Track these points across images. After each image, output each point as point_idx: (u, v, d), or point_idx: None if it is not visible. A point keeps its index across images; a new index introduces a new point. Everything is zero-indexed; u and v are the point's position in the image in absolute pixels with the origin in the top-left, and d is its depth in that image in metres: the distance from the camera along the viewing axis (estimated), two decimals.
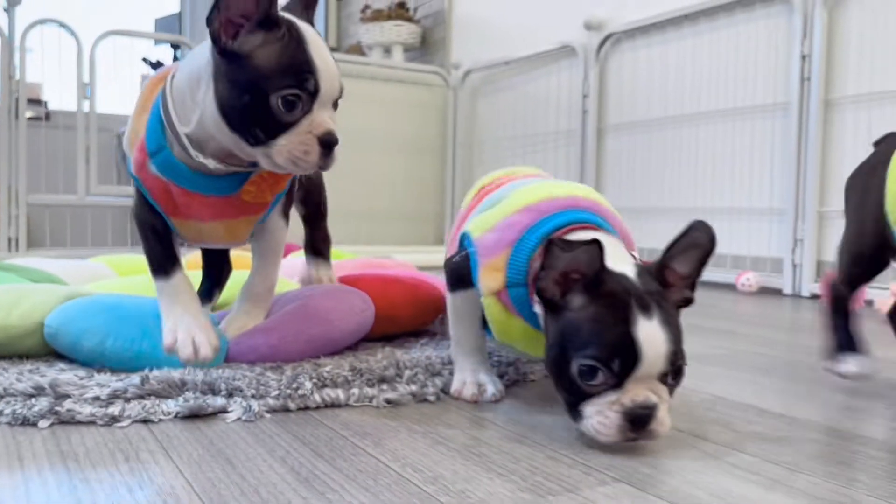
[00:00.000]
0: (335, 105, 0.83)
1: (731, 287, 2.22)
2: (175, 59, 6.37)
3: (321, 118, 0.80)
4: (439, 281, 1.27)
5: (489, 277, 0.80)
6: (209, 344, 0.84)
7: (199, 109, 0.81)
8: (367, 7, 4.04)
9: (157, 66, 5.88)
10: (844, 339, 0.96)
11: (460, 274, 0.85)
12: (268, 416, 0.79)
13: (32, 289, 0.99)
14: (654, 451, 0.70)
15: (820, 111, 2.04)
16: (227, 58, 0.78)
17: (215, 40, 0.78)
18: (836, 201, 2.02)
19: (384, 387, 0.86)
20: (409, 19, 3.87)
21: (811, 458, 0.69)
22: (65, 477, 0.61)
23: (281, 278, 1.32)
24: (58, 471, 0.62)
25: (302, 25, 0.80)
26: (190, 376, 0.82)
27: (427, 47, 3.96)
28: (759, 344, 1.31)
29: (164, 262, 0.89)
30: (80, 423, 0.74)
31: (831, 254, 2.03)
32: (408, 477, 0.62)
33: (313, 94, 0.79)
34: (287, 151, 0.79)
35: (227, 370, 0.87)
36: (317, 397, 0.82)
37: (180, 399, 0.79)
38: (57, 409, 0.75)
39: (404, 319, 1.10)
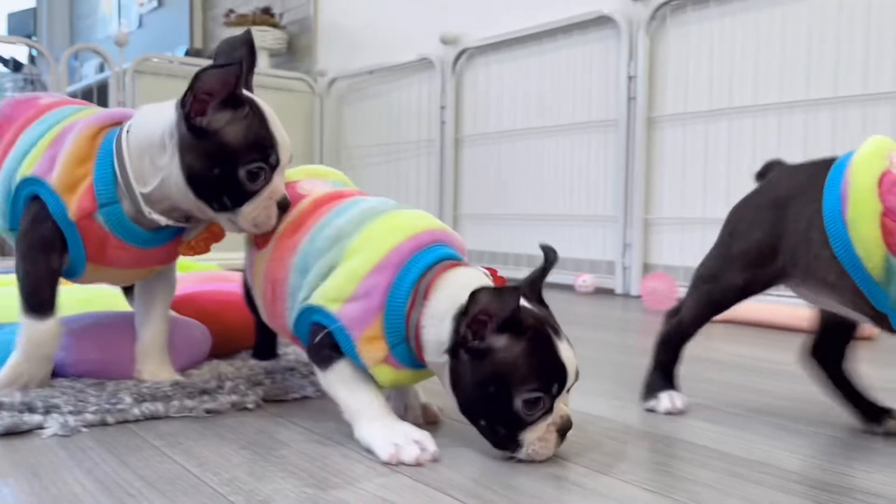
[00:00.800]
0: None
1: (570, 288, 2.40)
2: (31, 58, 6.03)
3: (278, 185, 0.89)
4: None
5: (371, 349, 0.78)
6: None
7: (160, 174, 0.88)
8: (231, 11, 4.01)
9: (15, 65, 5.54)
10: (668, 378, 0.95)
11: (329, 349, 0.80)
12: (85, 430, 0.83)
13: None
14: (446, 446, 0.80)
15: (644, 128, 2.24)
16: (195, 132, 0.85)
17: (187, 118, 0.84)
18: (659, 209, 2.24)
19: (205, 398, 0.92)
20: (275, 25, 3.88)
21: (576, 448, 0.81)
22: None
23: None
24: None
25: (260, 103, 0.89)
26: (7, 398, 0.85)
27: (293, 54, 3.98)
28: (590, 347, 1.45)
29: (46, 304, 0.91)
30: None
31: (656, 257, 2.25)
32: (205, 480, 0.69)
33: (274, 166, 0.88)
34: (252, 217, 0.88)
35: (47, 388, 0.90)
36: (136, 411, 0.87)
37: (3, 415, 0.82)
38: None
39: (239, 342, 1.16)
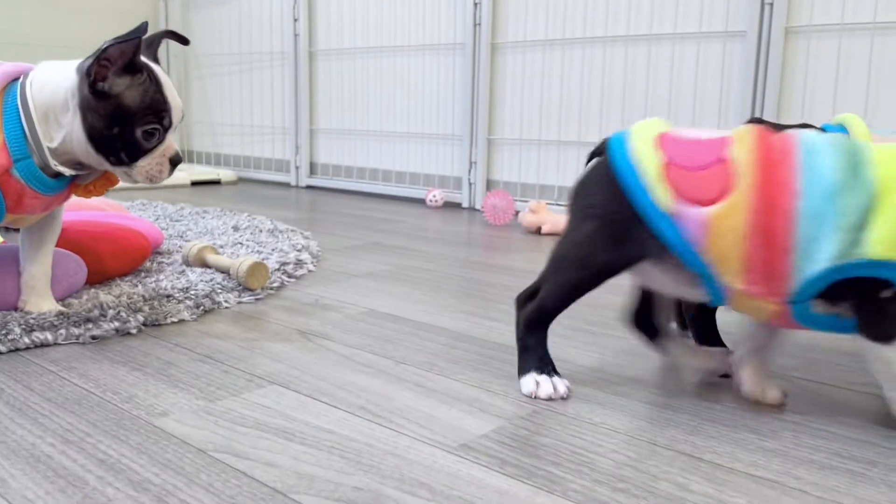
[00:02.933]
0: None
1: (422, 202, 2.59)
2: None
3: (170, 143, 1.03)
4: (146, 226, 1.41)
5: None
6: None
7: (63, 130, 0.97)
8: None
9: None
10: (543, 362, 0.86)
11: None
12: None
13: None
14: (301, 359, 0.96)
15: (488, 53, 2.41)
16: (97, 95, 0.95)
17: (91, 82, 0.95)
18: (500, 131, 2.44)
19: (90, 325, 1.03)
20: None
21: (417, 353, 1.00)
22: None
23: None
24: None
25: (157, 69, 1.00)
26: None
27: None
28: (426, 260, 1.64)
29: None
30: None
31: (497, 173, 2.47)
32: (108, 399, 0.82)
33: (167, 127, 1.01)
34: (146, 171, 1.01)
35: None
36: (26, 339, 0.97)
37: None
38: None
39: (112, 272, 1.24)
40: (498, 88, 2.43)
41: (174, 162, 1.04)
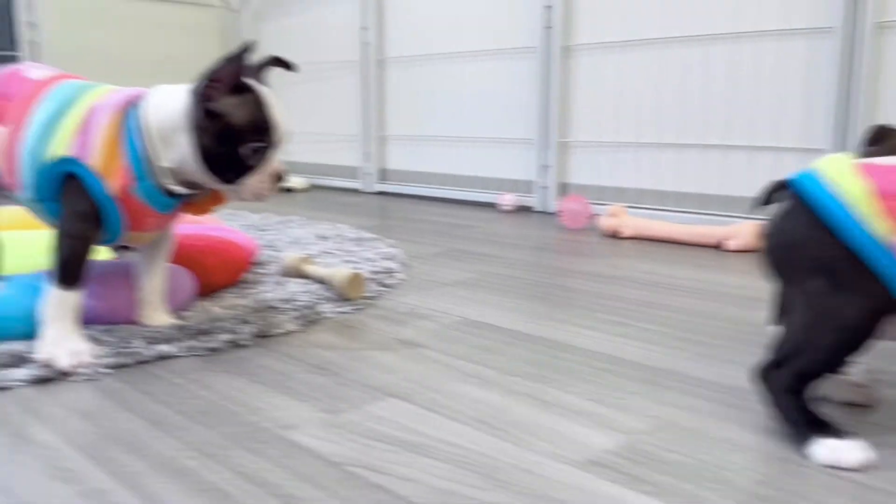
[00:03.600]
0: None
1: (493, 206, 2.60)
2: None
3: (275, 159, 1.05)
4: (243, 238, 1.46)
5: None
6: (89, 353, 0.99)
7: (178, 151, 1.02)
8: None
9: None
10: (825, 425, 0.74)
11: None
12: (109, 372, 0.97)
13: None
14: (410, 369, 0.98)
15: (560, 56, 2.40)
16: (208, 115, 1.00)
17: (203, 101, 1.00)
18: (573, 133, 2.43)
19: (205, 338, 1.07)
20: None
21: (521, 364, 1.01)
22: None
23: None
24: None
25: (263, 91, 1.04)
26: (33, 351, 0.97)
27: None
28: (510, 267, 1.65)
29: (78, 276, 1.00)
30: None
31: (570, 176, 2.46)
32: (235, 411, 0.85)
33: (272, 145, 1.03)
34: (252, 188, 1.04)
35: None
36: (149, 353, 1.01)
37: (31, 367, 0.94)
38: None
39: (217, 284, 1.29)
40: (571, 91, 2.42)
41: (279, 179, 1.06)
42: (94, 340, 1.02)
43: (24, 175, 1.03)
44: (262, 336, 1.12)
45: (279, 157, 1.06)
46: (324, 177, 3.34)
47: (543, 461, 0.72)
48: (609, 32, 2.30)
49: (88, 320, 1.08)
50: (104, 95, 1.05)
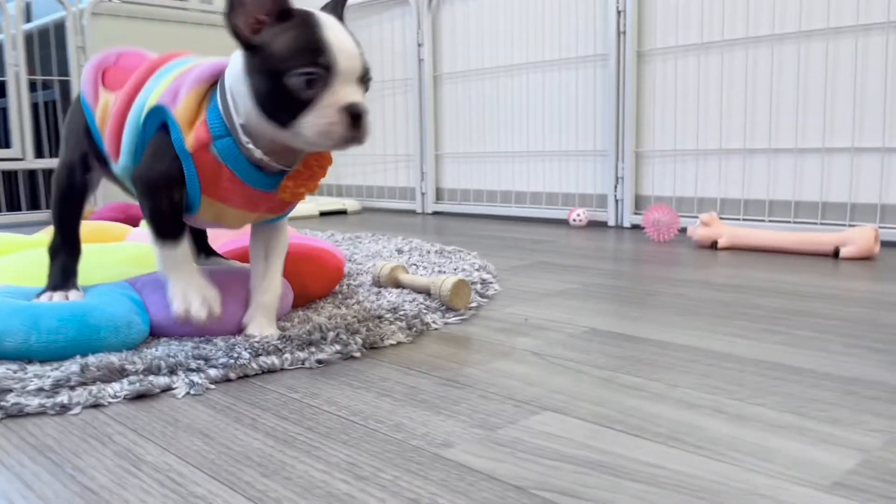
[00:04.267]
0: (365, 84, 0.89)
1: (564, 222, 2.47)
2: None
3: (343, 92, 0.85)
4: (332, 247, 1.34)
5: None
6: (215, 300, 0.94)
7: (244, 103, 0.89)
8: None
9: None
10: None
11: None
12: (213, 387, 0.85)
13: None
14: (554, 381, 0.85)
15: (633, 62, 2.28)
16: (252, 51, 0.87)
17: (237, 36, 0.87)
18: (649, 143, 2.30)
19: (312, 349, 0.94)
20: None
21: (684, 375, 0.87)
22: (54, 468, 0.64)
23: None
24: (42, 463, 0.65)
25: (319, 14, 0.88)
26: (129, 363, 0.85)
27: None
28: (610, 277, 1.51)
29: (175, 230, 0.94)
30: (29, 415, 0.76)
31: (647, 188, 2.33)
32: (374, 428, 0.72)
33: (328, 69, 0.84)
34: (313, 125, 0.85)
35: (161, 347, 0.91)
36: (254, 365, 0.89)
37: (124, 382, 0.82)
38: (2, 404, 0.76)
39: (313, 293, 1.17)
40: (645, 99, 2.30)
41: (351, 114, 0.85)
42: (196, 350, 0.90)
43: (124, 137, 0.96)
44: (372, 347, 1.00)
45: (349, 88, 0.85)
46: (376, 199, 3.24)
47: (780, 485, 0.58)
48: (688, 35, 2.18)
49: (190, 332, 0.97)
50: (209, 61, 0.96)
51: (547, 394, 0.81)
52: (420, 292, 1.22)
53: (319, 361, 0.93)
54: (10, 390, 0.78)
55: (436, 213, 2.98)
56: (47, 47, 2.99)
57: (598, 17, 2.39)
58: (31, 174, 3.39)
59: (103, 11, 3.02)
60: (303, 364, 0.92)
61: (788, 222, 1.99)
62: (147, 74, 0.99)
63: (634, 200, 2.35)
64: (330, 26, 0.86)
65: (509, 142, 2.72)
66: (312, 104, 0.84)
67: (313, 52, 0.83)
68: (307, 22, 0.85)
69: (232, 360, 0.88)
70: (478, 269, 1.47)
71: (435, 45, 2.93)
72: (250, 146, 0.91)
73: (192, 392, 0.83)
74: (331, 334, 0.98)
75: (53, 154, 3.11)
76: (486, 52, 2.76)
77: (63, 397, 0.78)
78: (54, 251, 1.06)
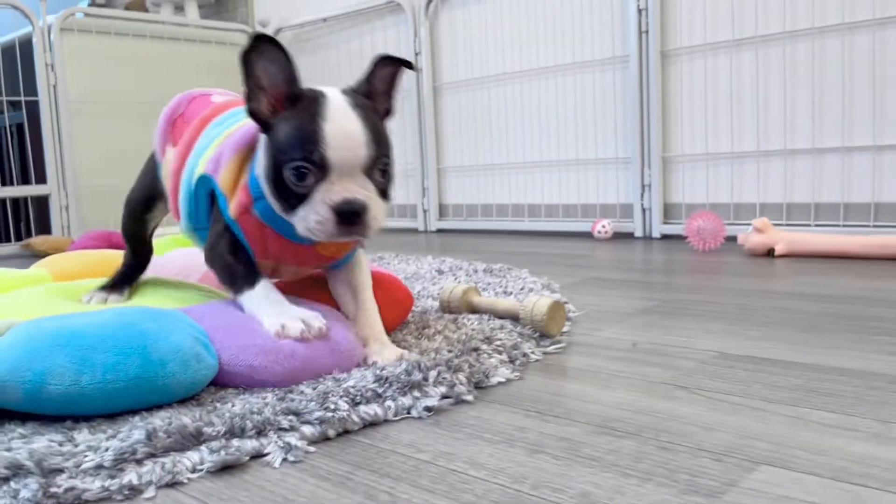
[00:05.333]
0: (374, 172, 0.83)
1: (587, 235, 2.33)
2: None
3: (339, 187, 0.81)
4: (393, 274, 1.17)
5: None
6: (316, 318, 0.84)
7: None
8: None
9: None
10: None
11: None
12: (313, 449, 0.67)
13: None
14: (735, 423, 0.69)
15: (658, 63, 2.17)
16: (268, 133, 0.85)
17: (256, 120, 0.85)
18: (677, 147, 2.18)
19: (416, 394, 0.77)
20: None
21: (859, 404, 0.73)
22: None
23: (174, 277, 1.18)
24: None
25: (330, 98, 0.83)
26: (205, 424, 0.67)
27: (223, 4, 3.64)
28: (681, 291, 1.37)
29: (248, 277, 0.89)
30: (89, 502, 0.58)
31: (676, 195, 2.21)
32: (550, 499, 0.55)
33: (321, 163, 0.80)
34: (303, 220, 0.82)
35: (238, 402, 0.72)
36: (355, 417, 0.72)
37: (204, 450, 0.64)
38: (53, 490, 0.57)
39: (388, 324, 1.00)
40: (671, 101, 2.18)
41: (341, 212, 0.80)
42: (282, 403, 0.72)
43: (180, 200, 0.97)
44: (478, 386, 0.83)
45: (348, 182, 0.81)
46: None
47: None
48: (718, 31, 2.07)
49: (269, 383, 0.79)
50: (250, 124, 0.92)
51: (739, 440, 0.65)
52: (502, 317, 1.06)
53: (428, 409, 0.75)
54: (61, 470, 0.60)
55: (439, 231, 2.82)
56: (13, 65, 2.76)
57: (616, 17, 2.27)
58: None
59: (73, 27, 2.81)
60: (408, 412, 0.75)
61: (837, 226, 1.88)
62: (197, 132, 0.97)
63: (663, 209, 2.22)
64: (334, 114, 0.81)
65: (519, 152, 2.58)
66: (307, 198, 0.81)
67: (307, 145, 0.80)
68: (310, 109, 0.81)
69: (329, 414, 0.70)
70: (544, 288, 1.31)
71: (434, 53, 2.78)
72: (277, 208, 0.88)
73: (289, 458, 0.65)
74: (432, 374, 0.81)
75: (21, 181, 2.87)
76: (490, 59, 2.62)
77: (130, 475, 0.60)
78: (123, 259, 1.16)
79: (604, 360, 0.93)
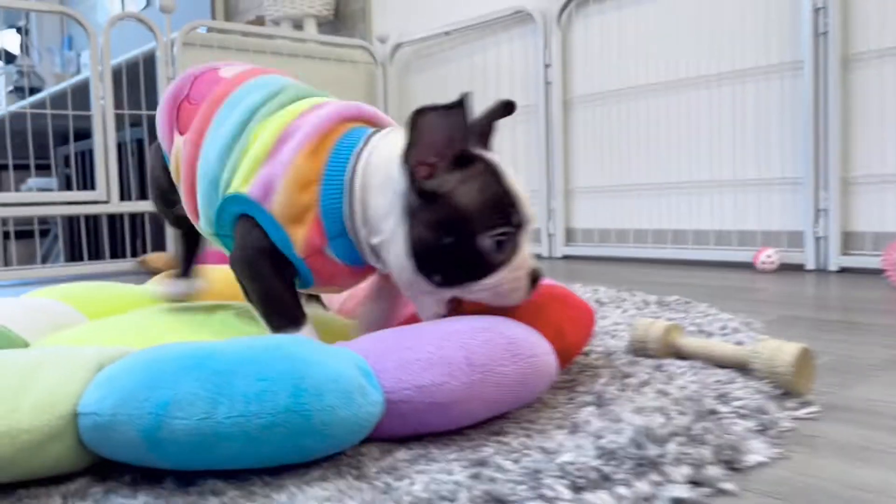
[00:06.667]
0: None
1: (741, 265, 2.04)
2: (24, 46, 5.57)
3: (526, 250, 0.75)
4: (565, 287, 0.96)
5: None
6: None
7: (381, 237, 0.76)
8: None
9: (6, 57, 5.09)
10: None
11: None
12: None
13: (30, 357, 0.59)
14: None
15: (838, 68, 1.87)
16: (424, 198, 0.73)
17: (413, 180, 0.73)
18: (862, 166, 1.87)
19: (655, 476, 0.55)
20: None
21: None
22: None
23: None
24: None
25: (493, 157, 0.76)
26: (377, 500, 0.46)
27: (342, 21, 3.56)
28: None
29: (294, 313, 0.78)
30: None
31: (860, 223, 1.89)
32: None
33: (518, 227, 0.74)
34: (494, 289, 0.74)
35: (418, 480, 0.52)
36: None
37: None
38: None
39: (573, 346, 0.79)
40: (854, 113, 1.88)
41: (535, 278, 0.75)
42: (470, 480, 0.51)
43: (201, 202, 0.83)
44: (732, 467, 0.59)
45: (527, 246, 0.75)
46: None
47: None
48: None
49: (459, 401, 0.59)
50: (306, 112, 0.80)
51: None
52: (726, 366, 0.82)
53: (676, 500, 0.53)
54: None
55: (566, 258, 2.58)
56: (136, 82, 2.74)
57: (785, 19, 1.99)
58: (112, 219, 3.13)
59: (195, 41, 2.77)
60: (646, 502, 0.52)
61: None
62: (209, 116, 0.84)
63: (841, 238, 1.91)
64: (509, 174, 0.75)
65: (663, 171, 2.32)
66: (500, 267, 0.73)
67: (506, 210, 0.73)
68: (493, 171, 0.74)
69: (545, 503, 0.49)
70: (750, 330, 1.06)
71: (565, 64, 2.57)
72: (369, 259, 0.80)
73: None
74: (670, 447, 0.58)
75: (140, 196, 2.84)
76: (632, 69, 2.38)
77: None
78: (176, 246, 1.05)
79: (882, 431, 0.68)
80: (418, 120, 0.69)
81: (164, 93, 0.93)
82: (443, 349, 0.60)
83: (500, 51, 2.79)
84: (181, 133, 0.88)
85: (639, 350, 0.89)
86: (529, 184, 2.70)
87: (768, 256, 1.96)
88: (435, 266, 0.73)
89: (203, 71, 0.92)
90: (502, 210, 0.72)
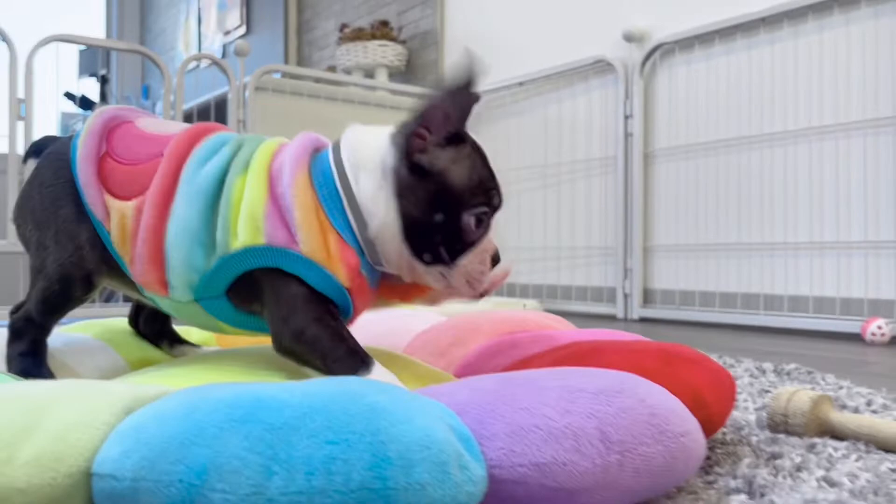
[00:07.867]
0: None
1: (855, 337, 1.83)
2: (103, 94, 5.75)
3: (491, 235, 0.78)
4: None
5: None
6: None
7: (377, 220, 0.75)
8: (344, 26, 3.59)
9: (84, 103, 5.25)
10: None
11: None
12: None
13: (43, 390, 0.47)
14: None
15: None
16: (415, 172, 0.74)
17: (408, 154, 0.74)
18: None
19: None
20: (394, 39, 3.45)
21: None
22: None
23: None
24: None
25: (478, 141, 0.78)
26: None
27: (412, 72, 3.54)
28: None
29: (361, 352, 0.72)
30: None
31: None
32: None
33: (496, 208, 0.77)
34: (466, 272, 0.76)
35: None
36: None
37: None
38: None
39: (717, 420, 0.63)
40: None
41: (495, 260, 0.78)
42: None
43: (176, 269, 0.76)
44: None
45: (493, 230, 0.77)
46: (562, 300, 2.70)
47: None
48: None
49: (592, 488, 0.45)
50: (276, 151, 0.79)
51: None
52: (889, 449, 0.65)
53: None
54: None
55: (643, 320, 2.41)
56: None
57: (892, 70, 1.83)
58: None
59: (267, 86, 2.75)
60: None
61: None
62: (172, 178, 0.77)
63: None
64: (489, 157, 0.77)
65: (755, 231, 2.14)
66: (473, 246, 0.75)
67: (489, 191, 0.76)
68: (479, 151, 0.77)
69: None
70: (893, 406, 0.88)
71: (647, 116, 2.45)
72: (382, 267, 0.78)
73: None
74: None
75: None
76: (721, 122, 2.24)
77: None
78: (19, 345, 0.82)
79: None
80: (428, 97, 0.71)
81: (78, 152, 0.79)
82: (569, 415, 0.46)
83: (577, 102, 2.69)
84: (118, 197, 0.78)
85: (779, 425, 0.72)
86: (605, 240, 2.55)
87: (878, 327, 1.75)
88: (425, 244, 0.74)
89: (109, 124, 0.82)
90: (486, 191, 0.75)
